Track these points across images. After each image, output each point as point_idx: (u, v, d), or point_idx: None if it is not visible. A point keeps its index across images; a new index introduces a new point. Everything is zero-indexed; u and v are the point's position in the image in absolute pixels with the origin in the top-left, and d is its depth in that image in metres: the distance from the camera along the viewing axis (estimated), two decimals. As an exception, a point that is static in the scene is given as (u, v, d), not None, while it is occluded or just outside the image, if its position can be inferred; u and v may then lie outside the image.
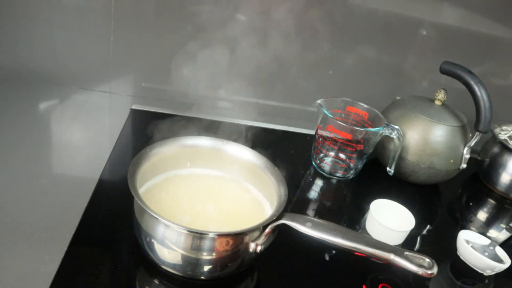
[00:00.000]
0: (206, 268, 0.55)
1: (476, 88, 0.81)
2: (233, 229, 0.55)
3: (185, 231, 0.52)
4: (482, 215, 0.90)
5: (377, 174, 0.92)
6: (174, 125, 0.73)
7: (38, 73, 0.99)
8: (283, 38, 0.90)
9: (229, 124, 0.84)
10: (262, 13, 0.92)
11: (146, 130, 0.70)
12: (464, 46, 1.02)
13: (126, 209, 0.60)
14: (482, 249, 0.73)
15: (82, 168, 0.78)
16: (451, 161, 0.86)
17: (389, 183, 0.90)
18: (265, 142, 0.89)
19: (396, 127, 0.82)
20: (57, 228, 0.62)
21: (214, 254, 0.54)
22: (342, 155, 0.87)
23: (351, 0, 0.97)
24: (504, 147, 0.93)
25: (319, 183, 0.87)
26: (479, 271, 0.70)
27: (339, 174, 0.88)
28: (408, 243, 0.73)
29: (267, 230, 0.56)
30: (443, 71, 0.85)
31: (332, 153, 0.88)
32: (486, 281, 0.70)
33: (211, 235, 0.53)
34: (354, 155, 0.85)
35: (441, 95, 0.89)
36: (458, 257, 0.73)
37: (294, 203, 0.79)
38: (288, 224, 0.55)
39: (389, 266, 0.53)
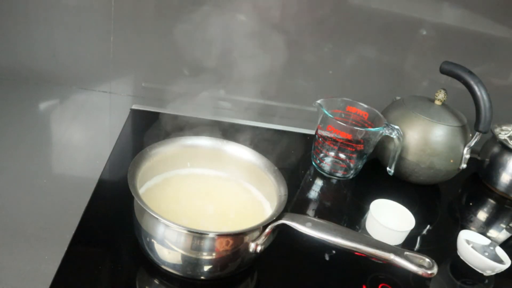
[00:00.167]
0: (206, 268, 0.55)
1: (476, 88, 0.81)
2: (233, 229, 0.55)
3: (185, 231, 0.52)
4: (482, 215, 0.90)
5: (377, 174, 0.92)
6: (174, 125, 0.73)
7: (38, 73, 0.99)
8: (283, 38, 0.90)
9: (229, 124, 0.84)
10: (262, 13, 0.92)
11: (146, 130, 0.70)
12: (464, 46, 1.02)
13: (126, 209, 0.60)
14: (482, 249, 0.73)
15: (82, 168, 0.78)
16: (451, 161, 0.86)
17: (389, 183, 0.90)
18: (265, 142, 0.89)
19: (396, 127, 0.82)
20: (57, 228, 0.62)
21: (214, 254, 0.54)
22: (342, 155, 0.87)
23: (351, 0, 0.97)
24: (504, 147, 0.93)
25: (319, 183, 0.87)
26: (479, 271, 0.70)
27: (339, 174, 0.88)
28: (408, 243, 0.73)
29: (267, 230, 0.56)
30: (443, 71, 0.85)
31: (332, 153, 0.88)
32: (486, 281, 0.70)
33: (211, 235, 0.53)
34: (354, 155, 0.85)
35: (441, 95, 0.89)
36: (458, 257, 0.73)
37: (294, 203, 0.79)
38: (288, 224, 0.56)
39: (389, 266, 0.53)
